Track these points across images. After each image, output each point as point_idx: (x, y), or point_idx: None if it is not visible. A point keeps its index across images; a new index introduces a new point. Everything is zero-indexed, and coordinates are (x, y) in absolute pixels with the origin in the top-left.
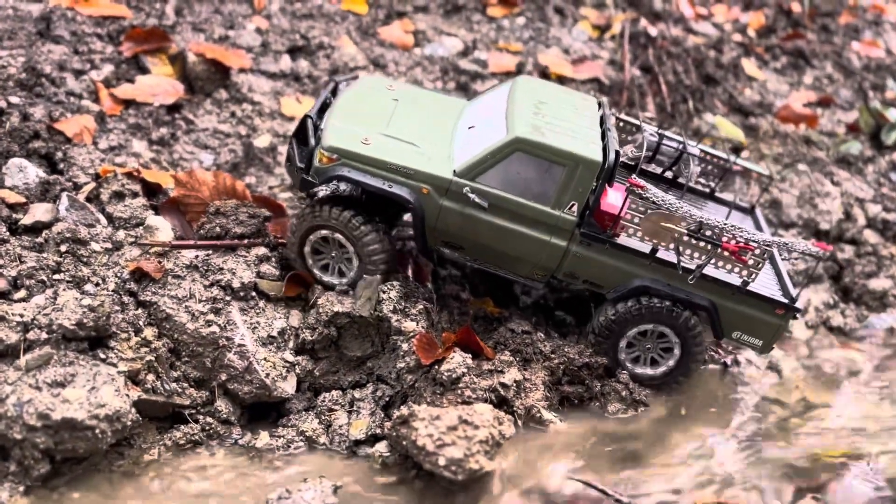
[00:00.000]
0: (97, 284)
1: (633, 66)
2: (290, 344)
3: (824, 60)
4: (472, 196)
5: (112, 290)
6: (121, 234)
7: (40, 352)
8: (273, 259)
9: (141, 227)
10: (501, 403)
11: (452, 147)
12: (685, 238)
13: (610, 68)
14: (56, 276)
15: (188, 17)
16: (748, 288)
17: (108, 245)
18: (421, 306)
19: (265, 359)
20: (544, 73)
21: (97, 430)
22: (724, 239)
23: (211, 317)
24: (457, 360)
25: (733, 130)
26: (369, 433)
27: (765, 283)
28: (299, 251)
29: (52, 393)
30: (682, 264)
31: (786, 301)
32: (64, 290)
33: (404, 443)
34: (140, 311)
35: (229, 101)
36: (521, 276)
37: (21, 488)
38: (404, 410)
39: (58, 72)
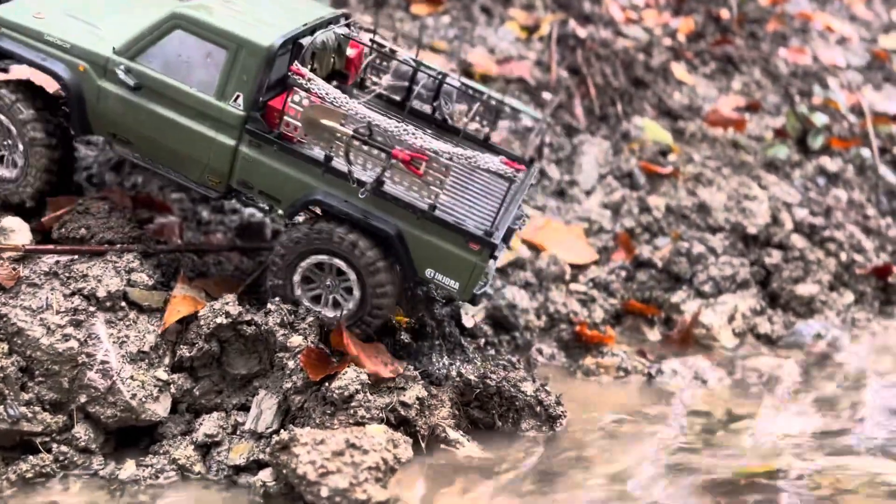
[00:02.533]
0: None
1: (560, 67)
2: (166, 360)
3: (752, 66)
4: (120, 73)
5: None
6: None
7: None
8: (146, 266)
9: None
10: (402, 424)
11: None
12: (351, 141)
13: (537, 69)
14: None
15: None
16: (436, 214)
17: None
18: (311, 318)
19: (132, 377)
20: (467, 72)
21: None
22: (398, 147)
23: (70, 330)
24: (349, 376)
25: (661, 133)
26: (251, 459)
27: (486, 217)
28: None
29: None
30: (353, 175)
31: (480, 233)
32: None
33: (284, 471)
34: None
35: None
36: (195, 181)
37: None
38: (284, 434)
39: None
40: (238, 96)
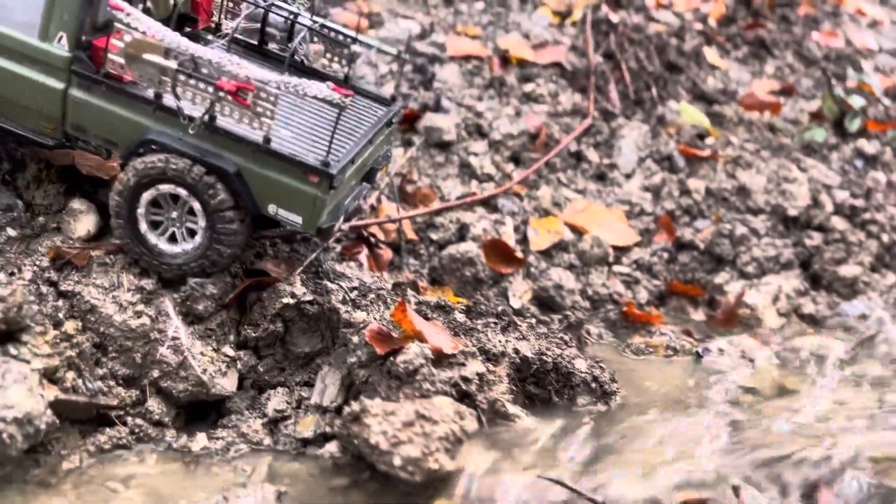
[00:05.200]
0: (11, 273)
1: (595, 52)
2: (231, 338)
3: (785, 50)
4: None
5: (29, 280)
6: (40, 220)
7: None
8: None
9: (62, 212)
10: (462, 398)
11: None
12: (177, 76)
13: (572, 54)
14: None
15: None
16: (271, 147)
17: (27, 231)
18: (373, 295)
19: (202, 353)
20: (504, 57)
21: (4, 435)
22: (224, 79)
23: (141, 307)
24: (414, 351)
25: (698, 117)
26: (319, 432)
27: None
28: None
29: None
30: (182, 110)
31: (316, 164)
32: None
33: (356, 441)
34: (61, 302)
35: None
36: (30, 129)
37: None
38: (355, 406)
39: None
40: (61, 36)
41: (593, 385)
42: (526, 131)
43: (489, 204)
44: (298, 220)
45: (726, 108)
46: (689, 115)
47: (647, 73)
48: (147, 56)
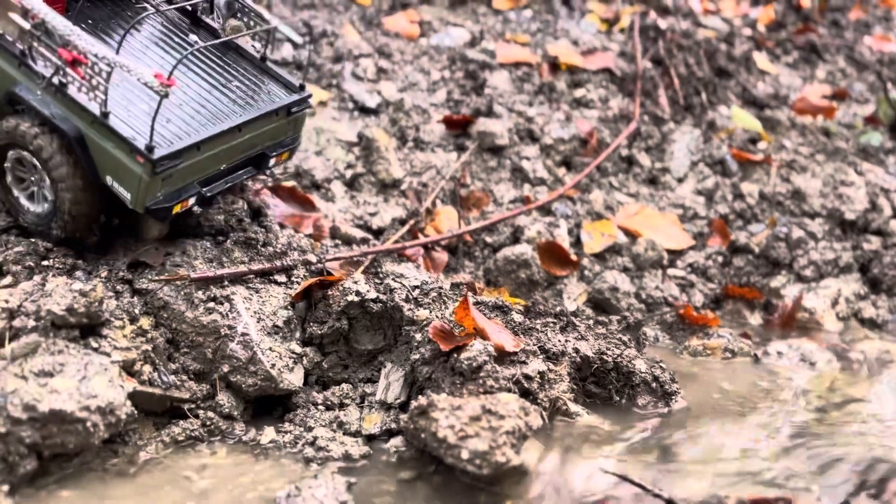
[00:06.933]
0: (90, 272)
1: (644, 58)
2: (297, 334)
3: (836, 55)
4: None
5: (105, 277)
6: (114, 221)
7: (27, 339)
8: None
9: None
10: (524, 395)
11: None
12: (27, 33)
13: (621, 60)
14: (45, 263)
15: None
16: (106, 120)
17: (101, 233)
18: (434, 294)
19: (270, 349)
20: (554, 64)
21: (88, 423)
22: (66, 48)
23: (211, 304)
24: (477, 348)
25: (750, 121)
26: (384, 428)
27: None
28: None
29: (40, 383)
30: (35, 69)
31: (139, 146)
32: (53, 276)
33: (423, 435)
34: (136, 299)
35: None
36: None
37: (5, 487)
38: (422, 400)
39: None
40: None
41: (654, 385)
42: (577, 136)
43: (542, 207)
44: (128, 196)
45: (778, 113)
46: (742, 119)
47: (697, 79)
48: (9, 13)
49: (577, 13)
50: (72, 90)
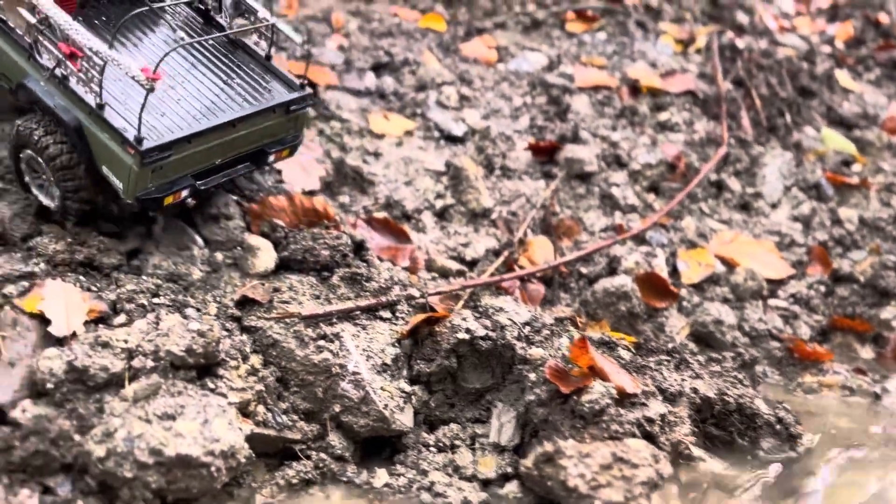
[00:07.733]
0: (199, 310)
1: (724, 79)
2: (404, 372)
3: None
4: None
5: (214, 315)
6: (219, 257)
7: (148, 381)
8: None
9: (240, 248)
10: (647, 439)
11: None
12: (34, 27)
13: (701, 81)
14: (155, 300)
15: None
16: (104, 113)
17: (207, 268)
18: (546, 332)
19: (382, 388)
20: (634, 87)
21: (213, 468)
22: (65, 43)
23: (322, 342)
24: (599, 390)
25: (843, 143)
26: (500, 472)
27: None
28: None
29: (164, 426)
30: (41, 61)
31: (129, 137)
32: (166, 314)
33: (549, 483)
34: (245, 337)
35: (316, 119)
36: None
37: None
38: (548, 446)
39: None
40: None
41: (778, 427)
42: (664, 160)
43: (636, 236)
44: (120, 186)
45: (868, 133)
46: (833, 141)
47: (780, 99)
48: (18, 8)
49: (651, 35)
50: (72, 82)
